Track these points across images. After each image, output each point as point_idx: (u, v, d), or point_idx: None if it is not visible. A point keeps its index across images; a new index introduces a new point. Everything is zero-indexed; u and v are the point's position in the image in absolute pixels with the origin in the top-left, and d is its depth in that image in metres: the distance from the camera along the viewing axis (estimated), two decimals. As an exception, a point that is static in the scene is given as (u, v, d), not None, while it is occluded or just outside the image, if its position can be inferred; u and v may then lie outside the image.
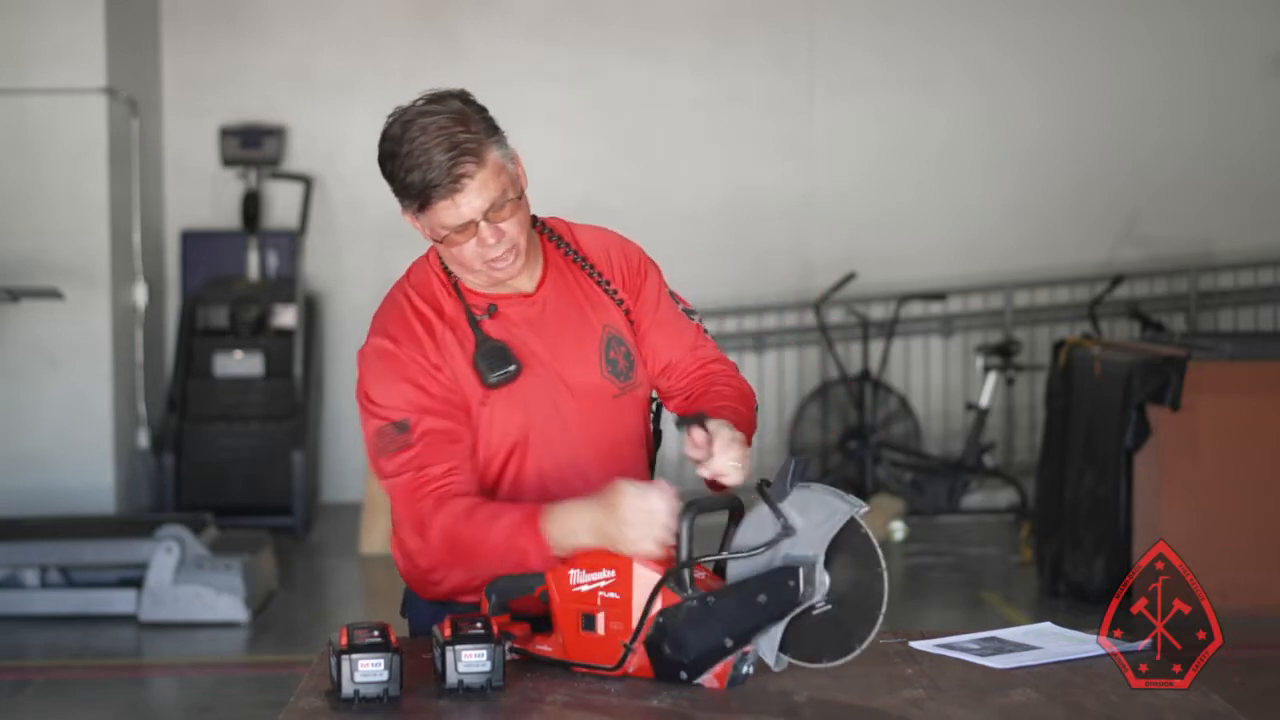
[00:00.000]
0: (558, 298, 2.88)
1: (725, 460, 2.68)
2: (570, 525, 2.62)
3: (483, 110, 2.77)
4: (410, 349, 2.80)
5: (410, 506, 2.77)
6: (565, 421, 2.84)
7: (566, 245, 2.93)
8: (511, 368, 2.79)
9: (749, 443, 2.81)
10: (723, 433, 2.68)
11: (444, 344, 2.81)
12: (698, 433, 2.68)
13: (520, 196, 2.76)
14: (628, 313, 2.93)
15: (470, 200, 2.70)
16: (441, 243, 2.76)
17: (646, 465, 2.96)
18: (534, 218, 2.89)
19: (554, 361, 2.84)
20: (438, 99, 2.77)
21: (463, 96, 2.78)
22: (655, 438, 3.01)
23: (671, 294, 2.99)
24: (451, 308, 2.83)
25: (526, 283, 2.87)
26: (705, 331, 3.02)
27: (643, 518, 2.55)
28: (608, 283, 2.92)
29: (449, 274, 2.85)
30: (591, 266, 2.93)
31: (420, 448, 2.76)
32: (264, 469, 8.99)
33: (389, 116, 2.78)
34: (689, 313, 3.00)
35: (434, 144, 2.69)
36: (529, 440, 2.82)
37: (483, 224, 2.72)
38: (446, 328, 2.82)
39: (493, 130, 2.75)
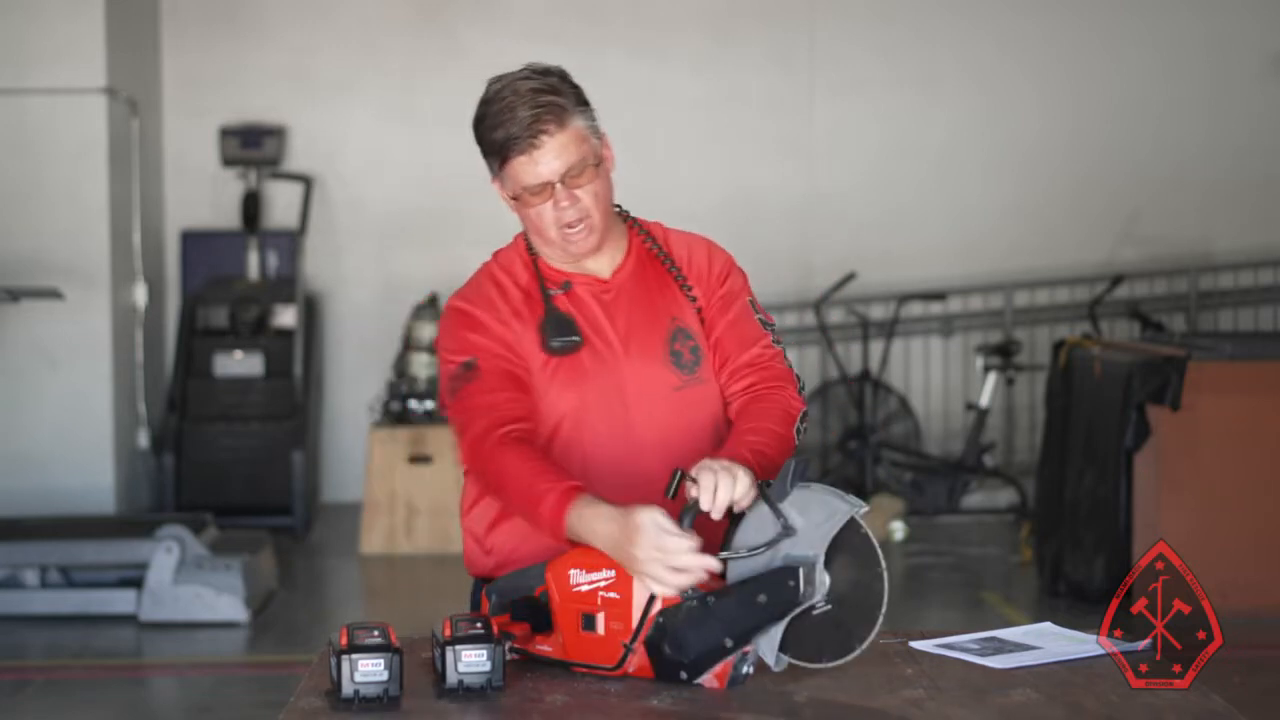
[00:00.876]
0: (632, 287, 2.93)
1: (723, 496, 2.61)
2: (591, 527, 2.62)
3: (577, 87, 2.86)
4: (483, 308, 2.89)
5: (470, 428, 2.81)
6: (622, 404, 2.87)
7: (653, 241, 2.98)
8: (575, 338, 2.86)
9: (785, 453, 2.80)
10: (703, 477, 2.62)
11: (515, 308, 2.89)
12: (690, 488, 2.65)
13: (600, 166, 2.84)
14: (700, 311, 2.95)
15: (548, 160, 2.79)
16: (518, 201, 2.84)
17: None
18: (633, 218, 2.98)
19: (618, 345, 2.89)
20: (538, 70, 2.86)
21: (561, 73, 2.86)
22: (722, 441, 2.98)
23: (752, 302, 2.99)
24: (527, 280, 2.92)
25: (604, 267, 2.93)
26: (777, 342, 2.98)
27: (656, 557, 2.54)
28: (684, 279, 2.96)
29: (532, 254, 2.93)
30: (672, 263, 2.97)
31: (485, 379, 2.83)
32: (264, 469, 8.99)
33: (489, 82, 2.88)
34: (765, 323, 2.98)
35: (520, 103, 2.79)
36: (581, 416, 2.86)
37: (559, 186, 2.81)
38: (521, 295, 2.90)
39: (582, 102, 2.84)
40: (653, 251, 2.97)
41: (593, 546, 2.62)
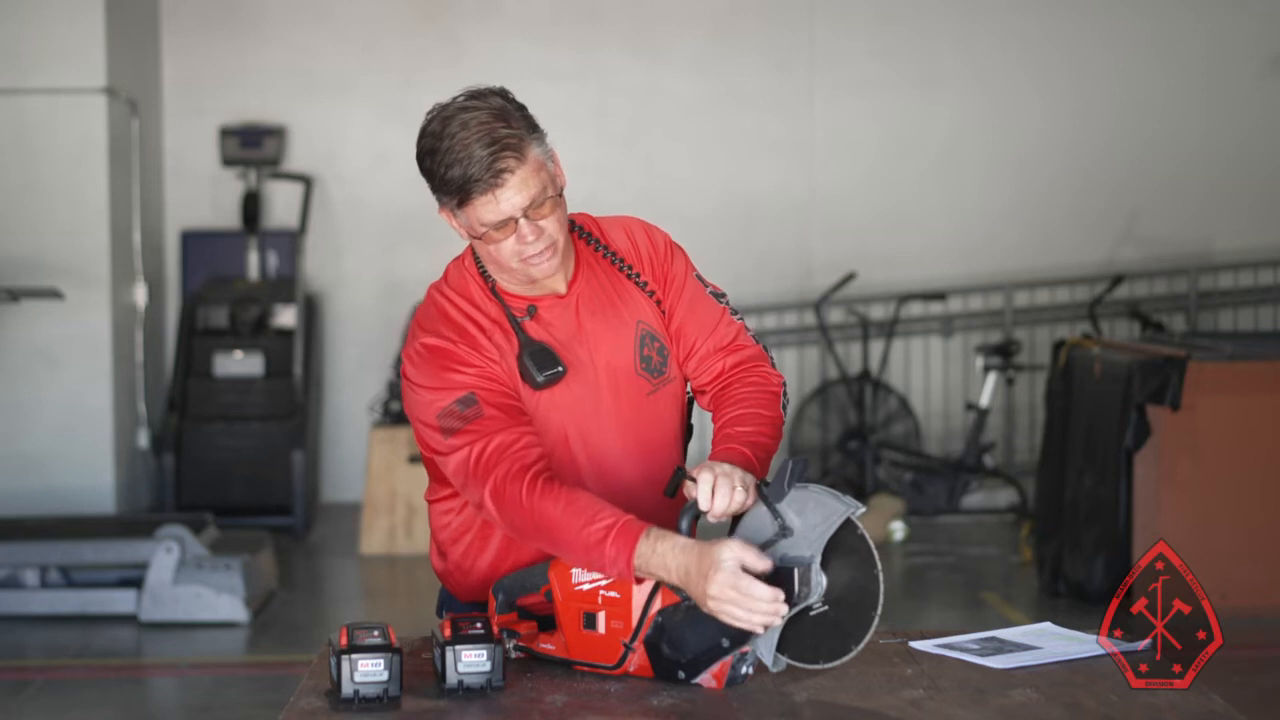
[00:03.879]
0: (590, 296, 2.88)
1: (720, 504, 2.61)
2: (663, 561, 2.56)
3: (522, 108, 2.75)
4: (465, 344, 2.80)
5: (482, 469, 2.73)
6: (603, 419, 2.84)
7: (596, 241, 2.92)
8: (560, 369, 2.80)
9: (777, 434, 2.82)
10: (703, 477, 2.62)
11: (492, 343, 2.81)
12: (689, 488, 2.64)
13: (559, 194, 2.76)
14: (659, 303, 2.92)
15: (510, 196, 2.70)
16: (480, 239, 2.75)
17: (680, 460, 2.93)
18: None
19: (591, 361, 2.85)
20: (478, 95, 2.73)
21: (503, 94, 2.75)
22: (688, 431, 2.99)
23: (699, 277, 2.97)
24: (493, 310, 2.84)
25: (560, 283, 2.86)
26: (734, 314, 2.98)
27: (733, 597, 2.51)
28: (637, 275, 2.92)
29: (485, 277, 2.85)
30: (621, 260, 2.92)
31: (491, 417, 2.74)
32: (264, 469, 8.99)
33: (428, 113, 2.76)
34: (717, 296, 2.97)
35: (474, 139, 2.68)
36: (567, 440, 2.82)
37: (522, 221, 2.71)
38: (492, 327, 2.82)
39: (533, 128, 2.73)
40: (597, 252, 2.92)
41: (663, 578, 2.57)
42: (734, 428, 2.82)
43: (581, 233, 2.92)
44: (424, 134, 2.74)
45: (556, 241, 2.76)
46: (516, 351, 2.80)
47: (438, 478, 2.90)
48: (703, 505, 2.60)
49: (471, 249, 2.86)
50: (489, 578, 2.88)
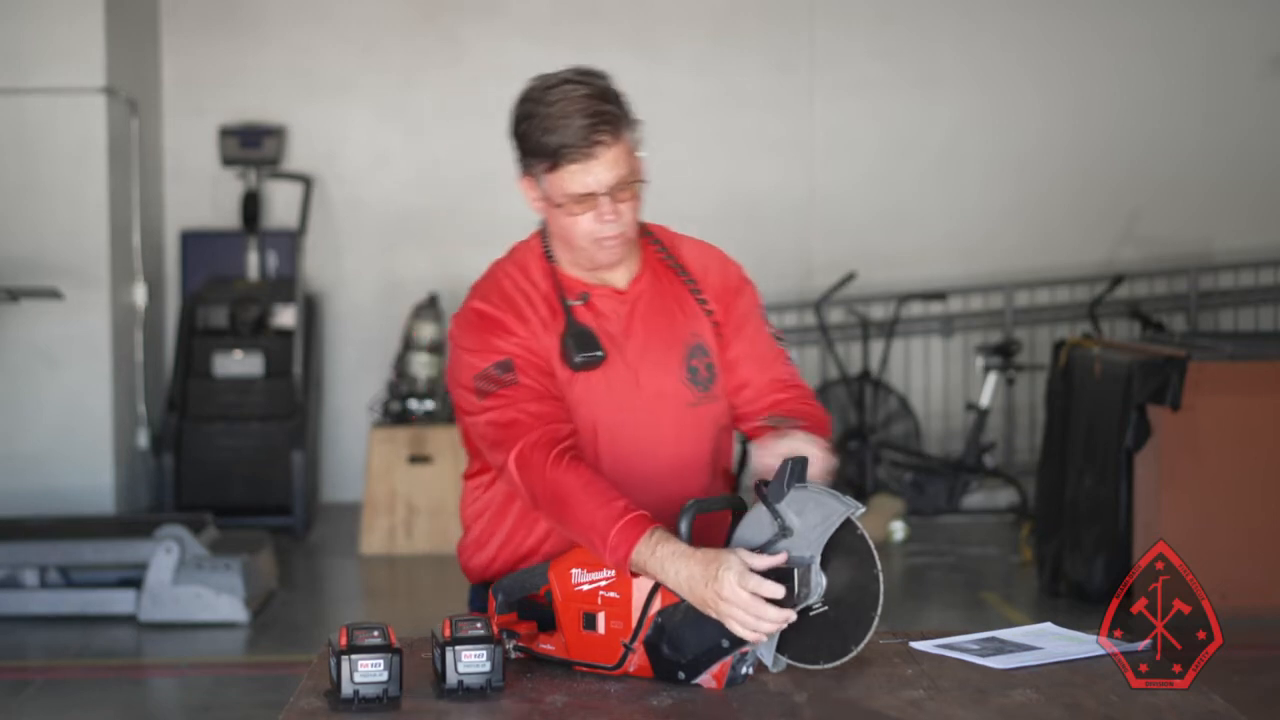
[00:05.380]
0: (650, 299, 2.90)
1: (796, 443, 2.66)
2: (661, 564, 2.56)
3: (622, 95, 2.80)
4: (510, 314, 2.84)
5: (512, 434, 2.75)
6: (634, 420, 2.85)
7: (666, 251, 2.95)
8: (599, 354, 2.82)
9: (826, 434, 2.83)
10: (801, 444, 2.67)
11: (539, 318, 2.84)
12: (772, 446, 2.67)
13: (640, 186, 2.81)
14: (717, 325, 2.93)
15: (600, 171, 2.75)
16: (559, 209, 2.79)
17: (712, 478, 2.92)
18: (642, 224, 2.93)
19: (634, 360, 2.86)
20: (585, 72, 2.80)
21: (606, 77, 2.81)
22: (731, 480, 2.98)
23: (764, 316, 2.98)
24: (547, 288, 2.87)
25: (621, 278, 2.90)
26: (790, 359, 2.99)
27: (744, 599, 2.50)
28: (700, 293, 2.93)
29: (549, 258, 2.89)
30: (688, 275, 2.94)
31: (526, 386, 2.78)
32: (264, 469, 8.99)
33: (530, 80, 2.82)
34: (777, 338, 2.98)
35: (576, 110, 2.74)
36: (595, 430, 2.83)
37: (604, 199, 2.77)
38: (543, 303, 2.86)
39: (630, 115, 2.80)
40: (666, 262, 2.94)
41: (661, 580, 2.57)
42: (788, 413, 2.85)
43: (653, 239, 2.95)
44: (524, 99, 2.80)
45: (628, 231, 2.82)
46: (561, 331, 2.83)
47: (474, 452, 2.93)
48: (813, 461, 2.61)
49: (539, 233, 2.91)
50: (492, 561, 2.92)
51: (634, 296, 2.90)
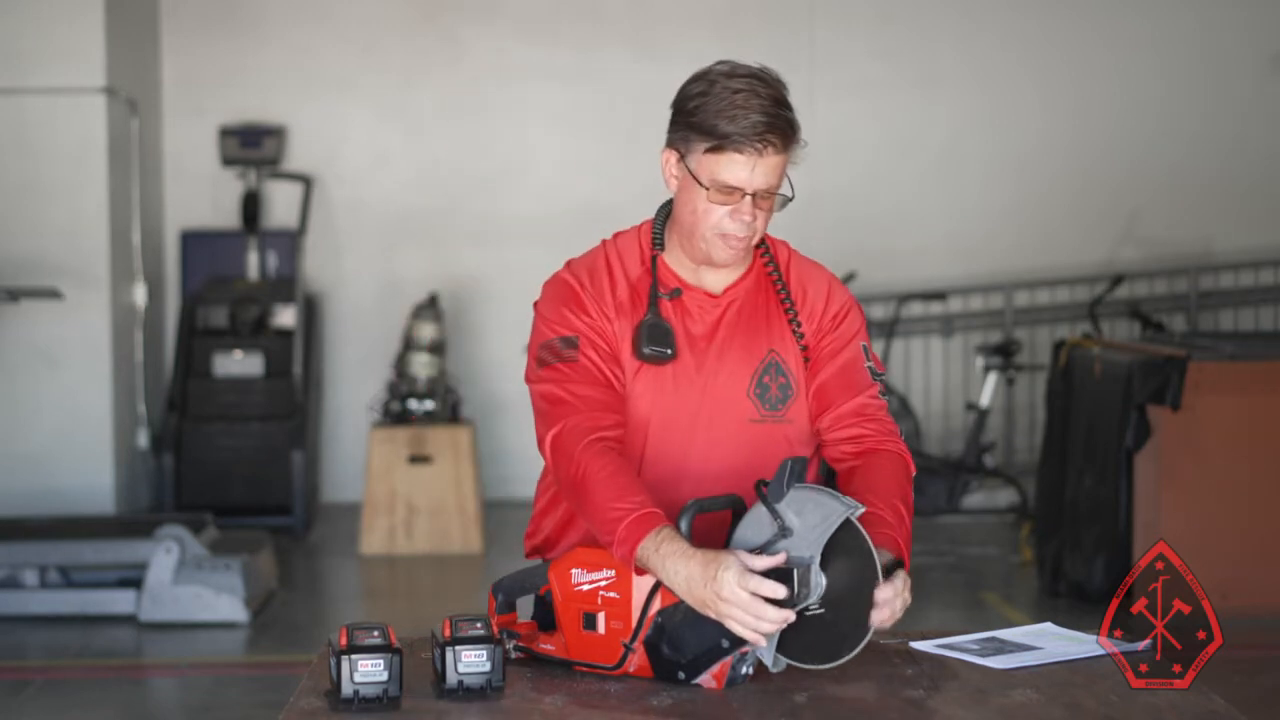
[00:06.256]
0: (740, 308, 2.89)
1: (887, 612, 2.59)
2: (663, 563, 2.56)
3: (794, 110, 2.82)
4: (593, 293, 2.85)
5: (558, 411, 2.76)
6: (689, 423, 2.83)
7: (775, 265, 2.94)
8: (669, 351, 2.82)
9: (908, 521, 2.78)
10: (894, 583, 2.60)
11: (620, 302, 2.85)
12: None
13: (781, 200, 2.82)
14: (805, 349, 2.90)
15: (758, 169, 2.77)
16: (699, 192, 2.78)
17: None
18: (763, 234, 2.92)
19: (706, 364, 2.84)
20: (771, 75, 2.84)
21: (787, 88, 2.86)
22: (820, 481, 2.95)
23: (865, 349, 2.93)
24: (639, 275, 2.87)
25: (719, 283, 2.89)
26: (884, 396, 2.93)
27: (744, 599, 2.49)
28: (796, 312, 2.91)
29: (655, 247, 2.89)
30: (787, 292, 2.92)
31: (582, 366, 2.79)
32: (264, 469, 8.99)
33: (717, 61, 2.85)
34: (876, 375, 2.93)
35: (758, 106, 2.77)
36: (648, 428, 2.83)
37: (748, 198, 2.77)
38: (628, 289, 2.86)
39: (800, 133, 2.85)
40: (771, 276, 2.92)
41: (662, 579, 2.57)
42: (886, 529, 2.72)
43: (765, 251, 2.94)
44: (705, 77, 2.83)
45: (753, 239, 2.83)
46: (640, 319, 2.83)
47: None
48: (880, 618, 2.55)
49: (653, 220, 2.91)
50: (554, 541, 2.95)
51: (725, 302, 2.88)
